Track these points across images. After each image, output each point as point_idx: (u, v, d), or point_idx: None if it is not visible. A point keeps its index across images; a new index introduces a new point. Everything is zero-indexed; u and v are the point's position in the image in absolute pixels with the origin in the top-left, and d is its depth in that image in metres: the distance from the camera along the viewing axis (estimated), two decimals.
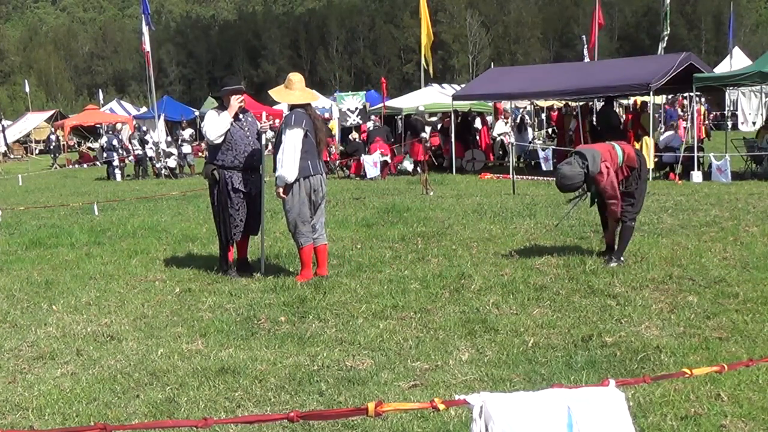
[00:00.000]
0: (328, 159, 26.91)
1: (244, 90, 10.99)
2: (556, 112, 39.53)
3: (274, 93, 10.50)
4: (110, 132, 35.89)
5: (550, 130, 44.23)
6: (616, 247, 10.44)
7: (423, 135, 28.58)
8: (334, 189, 21.29)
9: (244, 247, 10.95)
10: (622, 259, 10.33)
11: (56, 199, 23.12)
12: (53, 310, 9.02)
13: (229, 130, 10.29)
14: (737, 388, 5.76)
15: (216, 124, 10.27)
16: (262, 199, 10.62)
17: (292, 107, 10.01)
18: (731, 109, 44.21)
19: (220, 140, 10.29)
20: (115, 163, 33.07)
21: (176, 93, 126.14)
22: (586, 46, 37.76)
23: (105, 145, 34.25)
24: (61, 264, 11.83)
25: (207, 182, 10.75)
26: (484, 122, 33.66)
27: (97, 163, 37.05)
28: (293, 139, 9.59)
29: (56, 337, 7.90)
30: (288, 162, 9.57)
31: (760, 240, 11.43)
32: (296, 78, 10.15)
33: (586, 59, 36.53)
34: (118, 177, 32.58)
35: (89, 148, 49.03)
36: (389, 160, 27.27)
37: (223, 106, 10.57)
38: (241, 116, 10.49)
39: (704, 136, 33.86)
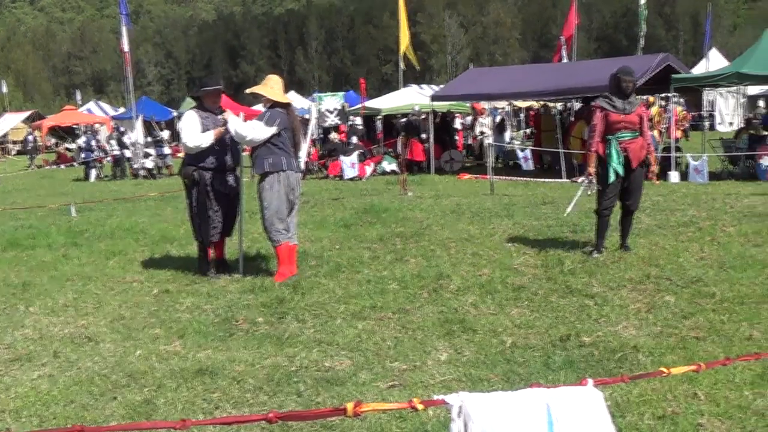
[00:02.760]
0: (307, 159, 26.90)
1: (224, 90, 10.93)
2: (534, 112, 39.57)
3: (258, 89, 10.15)
4: (89, 132, 35.80)
5: (528, 131, 44.34)
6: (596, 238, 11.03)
7: (423, 135, 28.55)
8: (313, 189, 21.26)
9: (220, 248, 10.93)
10: (601, 250, 10.80)
11: (33, 200, 23.02)
12: (30, 311, 8.97)
13: (208, 129, 10.27)
14: (714, 387, 5.79)
15: (196, 136, 10.22)
16: (240, 199, 10.60)
17: (271, 106, 9.95)
18: (708, 109, 44.46)
19: (193, 152, 10.29)
20: (92, 163, 33.07)
21: (155, 93, 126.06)
22: (564, 47, 37.78)
23: (84, 145, 34.16)
24: (39, 265, 11.77)
25: (184, 183, 10.69)
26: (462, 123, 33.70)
27: (75, 163, 36.93)
28: (262, 131, 9.66)
29: (33, 339, 7.86)
30: (251, 133, 9.68)
31: (737, 240, 11.47)
32: (276, 78, 10.17)
33: (564, 59, 36.51)
34: (92, 177, 32.55)
35: (67, 148, 48.89)
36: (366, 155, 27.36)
37: (202, 106, 10.53)
38: (220, 117, 10.45)
39: (681, 137, 34.02)
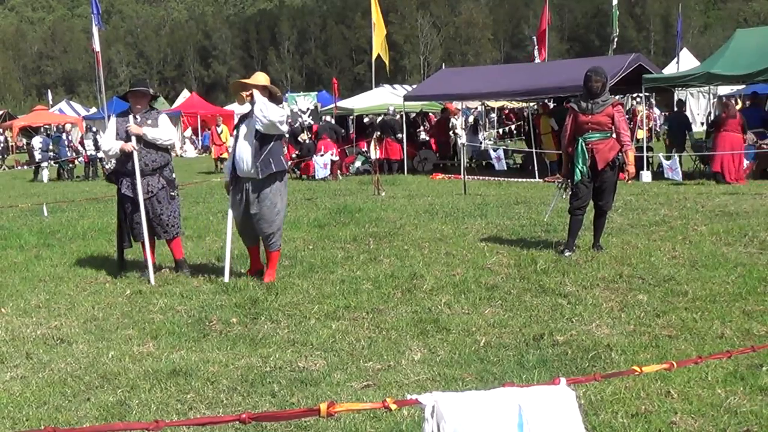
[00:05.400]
0: None
1: (149, 93, 10.69)
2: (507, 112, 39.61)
3: (265, 83, 9.71)
4: (55, 133, 35.70)
5: (500, 131, 44.47)
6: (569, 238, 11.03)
7: (399, 135, 28.51)
8: None
9: (176, 248, 10.86)
10: (574, 249, 10.91)
11: (5, 200, 22.87)
12: (2, 312, 8.90)
13: (117, 133, 10.33)
14: (687, 385, 5.82)
15: (107, 142, 10.49)
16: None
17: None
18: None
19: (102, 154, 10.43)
20: (44, 164, 33.10)
21: None
22: (536, 48, 37.87)
23: (42, 146, 34.07)
24: (10, 266, 11.69)
25: None
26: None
27: (25, 166, 36.92)
28: (283, 126, 9.58)
29: (5, 341, 7.80)
30: (282, 122, 9.47)
31: (709, 239, 11.55)
32: (265, 75, 10.00)
33: (537, 60, 36.65)
34: (45, 178, 32.58)
35: None
36: (335, 158, 27.17)
37: (129, 110, 10.51)
38: (138, 118, 10.38)
39: (649, 135, 34.12)
